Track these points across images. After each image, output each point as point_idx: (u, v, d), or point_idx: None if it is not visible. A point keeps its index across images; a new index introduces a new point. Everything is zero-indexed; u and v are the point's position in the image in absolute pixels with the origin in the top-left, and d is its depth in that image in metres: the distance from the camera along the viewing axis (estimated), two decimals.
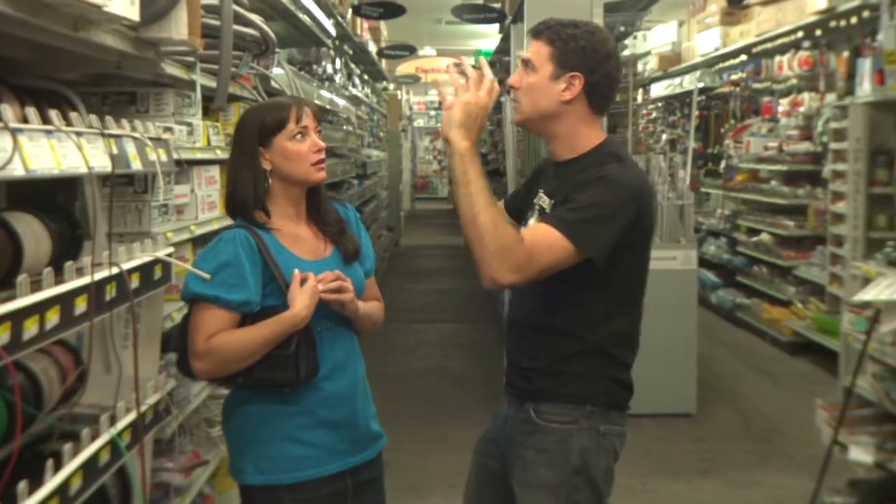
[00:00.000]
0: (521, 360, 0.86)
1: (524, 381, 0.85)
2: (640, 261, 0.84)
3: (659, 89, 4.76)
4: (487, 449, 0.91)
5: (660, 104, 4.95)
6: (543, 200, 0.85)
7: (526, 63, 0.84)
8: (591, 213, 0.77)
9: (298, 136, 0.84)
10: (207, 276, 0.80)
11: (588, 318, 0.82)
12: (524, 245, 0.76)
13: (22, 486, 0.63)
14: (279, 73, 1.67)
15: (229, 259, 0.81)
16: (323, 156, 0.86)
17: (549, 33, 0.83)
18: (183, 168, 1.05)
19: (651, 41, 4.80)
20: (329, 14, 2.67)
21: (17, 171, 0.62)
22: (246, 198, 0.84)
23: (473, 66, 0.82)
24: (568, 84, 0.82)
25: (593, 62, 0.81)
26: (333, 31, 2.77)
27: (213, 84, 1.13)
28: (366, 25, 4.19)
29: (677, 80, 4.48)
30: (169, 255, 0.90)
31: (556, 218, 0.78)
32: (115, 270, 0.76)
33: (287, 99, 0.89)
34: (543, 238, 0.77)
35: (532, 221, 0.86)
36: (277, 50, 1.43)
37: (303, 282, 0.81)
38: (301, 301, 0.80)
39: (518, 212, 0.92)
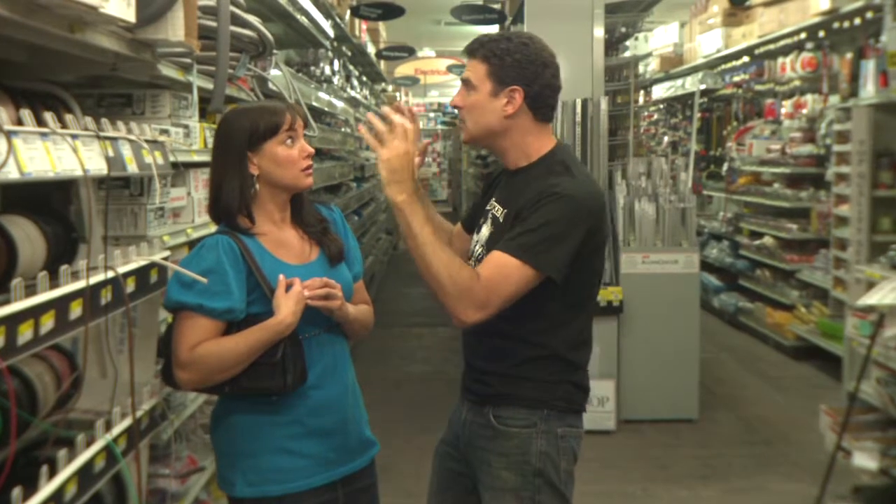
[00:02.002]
0: (479, 365, 0.86)
1: (482, 386, 0.86)
2: (594, 267, 0.85)
3: (660, 91, 4.76)
4: (448, 452, 0.91)
5: (661, 106, 4.96)
6: (496, 209, 0.86)
7: (466, 83, 0.85)
8: (545, 233, 0.78)
9: (289, 140, 0.83)
10: (204, 279, 0.78)
11: (545, 325, 0.83)
12: (481, 281, 0.78)
13: (16, 492, 0.62)
14: (277, 74, 1.67)
15: (212, 266, 0.79)
16: (311, 161, 0.85)
17: (482, 51, 0.83)
18: (179, 171, 1.05)
19: (652, 42, 4.80)
20: (327, 15, 2.66)
21: (11, 173, 0.62)
22: (231, 203, 0.82)
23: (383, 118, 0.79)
24: (508, 98, 0.83)
25: (530, 74, 0.82)
26: (332, 33, 2.75)
27: (209, 86, 1.13)
28: (364, 27, 4.19)
29: (679, 82, 4.48)
30: (165, 258, 0.89)
31: (509, 243, 0.79)
32: (110, 274, 0.76)
33: (278, 103, 0.87)
34: (499, 270, 0.78)
35: (484, 229, 0.87)
36: (275, 51, 1.43)
37: (288, 287, 0.80)
38: (287, 307, 0.79)
39: (473, 221, 0.93)
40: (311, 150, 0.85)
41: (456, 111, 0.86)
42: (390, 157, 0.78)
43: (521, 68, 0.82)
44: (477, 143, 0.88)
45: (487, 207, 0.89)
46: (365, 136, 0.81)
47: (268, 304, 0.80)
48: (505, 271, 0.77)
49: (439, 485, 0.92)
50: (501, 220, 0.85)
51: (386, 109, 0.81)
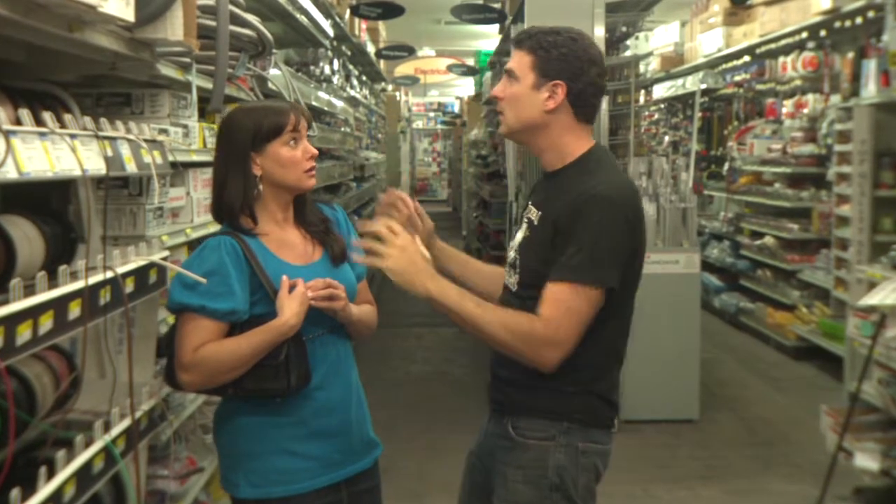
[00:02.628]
0: (501, 374, 0.84)
1: (502, 395, 0.85)
2: (634, 271, 0.81)
3: (661, 90, 4.74)
4: (474, 464, 0.90)
5: (662, 106, 4.94)
6: (532, 213, 0.84)
7: (509, 73, 0.83)
8: (598, 250, 0.76)
9: (292, 142, 0.83)
10: (203, 280, 0.78)
11: None
12: (542, 320, 0.75)
13: (15, 493, 0.62)
14: (276, 74, 1.66)
15: (215, 267, 0.79)
16: (314, 162, 0.84)
17: (530, 42, 0.81)
18: (178, 170, 1.04)
19: (653, 42, 4.75)
20: (327, 14, 2.65)
21: (9, 173, 0.62)
22: (234, 203, 0.82)
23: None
24: (550, 93, 0.80)
25: (575, 69, 0.80)
26: (331, 32, 2.74)
27: (209, 85, 1.12)
28: (364, 26, 4.17)
29: (680, 82, 4.46)
30: (164, 258, 0.89)
31: (562, 270, 0.76)
32: (109, 274, 0.75)
33: (283, 103, 0.86)
34: (557, 303, 0.75)
35: (519, 233, 0.86)
36: (274, 51, 1.43)
37: (292, 288, 0.80)
38: (290, 308, 0.78)
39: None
40: (315, 152, 0.84)
41: (494, 104, 0.85)
42: (393, 265, 0.75)
43: (567, 63, 0.79)
44: (515, 138, 0.85)
45: (524, 212, 0.86)
46: (364, 261, 0.77)
47: (271, 305, 0.79)
48: (567, 303, 0.75)
49: (466, 496, 0.90)
50: (537, 223, 0.82)
51: (368, 227, 0.78)
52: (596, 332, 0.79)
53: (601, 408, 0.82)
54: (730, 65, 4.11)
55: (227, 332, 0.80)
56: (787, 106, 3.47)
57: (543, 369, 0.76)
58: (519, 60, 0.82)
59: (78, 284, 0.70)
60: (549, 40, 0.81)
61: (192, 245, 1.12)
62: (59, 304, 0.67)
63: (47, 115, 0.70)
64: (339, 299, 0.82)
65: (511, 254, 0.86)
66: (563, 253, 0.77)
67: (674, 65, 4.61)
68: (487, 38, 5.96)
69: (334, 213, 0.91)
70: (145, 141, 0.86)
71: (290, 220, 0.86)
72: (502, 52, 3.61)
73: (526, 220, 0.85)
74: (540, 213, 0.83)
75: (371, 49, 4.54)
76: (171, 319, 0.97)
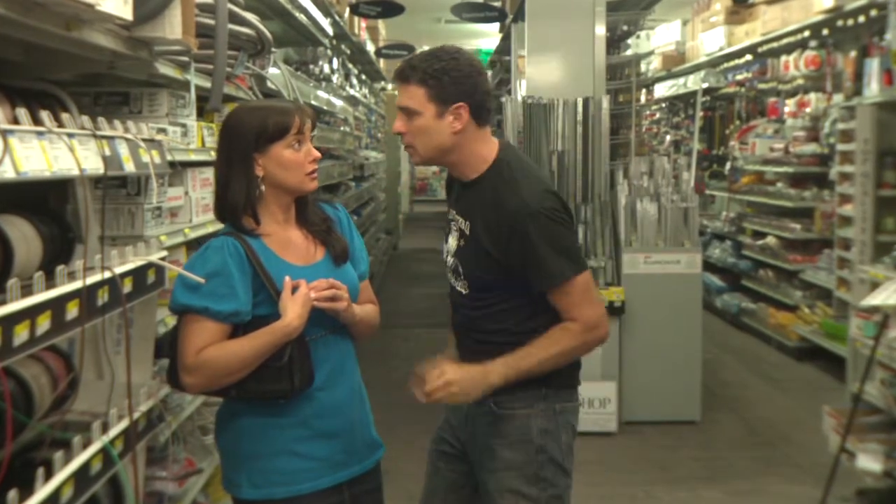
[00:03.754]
0: (472, 360, 0.88)
1: None
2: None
3: (662, 90, 4.73)
4: (445, 451, 0.94)
5: (663, 105, 4.93)
6: (460, 221, 0.90)
7: (405, 110, 0.85)
8: (561, 252, 0.84)
9: (296, 144, 0.82)
10: (202, 280, 0.78)
11: (529, 313, 0.87)
12: (573, 322, 0.85)
13: (12, 494, 0.62)
14: (275, 73, 1.66)
15: (218, 268, 0.79)
16: (317, 165, 0.84)
17: (416, 75, 0.84)
18: (177, 170, 1.04)
19: (654, 41, 4.76)
20: (326, 13, 2.64)
21: (7, 173, 0.62)
22: (237, 204, 0.82)
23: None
24: (455, 116, 0.84)
25: (469, 86, 0.84)
26: (330, 31, 2.73)
27: (207, 84, 1.12)
28: (364, 24, 4.16)
29: (681, 81, 4.44)
30: (162, 258, 0.88)
31: (551, 278, 0.85)
32: (107, 275, 0.75)
33: (288, 104, 0.85)
34: (571, 300, 0.85)
35: (451, 240, 0.91)
36: (273, 49, 1.42)
37: (294, 289, 0.79)
38: (293, 310, 0.78)
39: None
40: (318, 155, 0.84)
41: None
42: (461, 395, 0.83)
43: (460, 83, 0.84)
44: (430, 163, 0.90)
45: (450, 218, 0.92)
46: (427, 397, 0.84)
47: (274, 306, 0.79)
48: (574, 296, 0.84)
49: (433, 469, 0.94)
50: (468, 234, 0.88)
51: (420, 373, 0.85)
52: (541, 309, 0.87)
53: (568, 369, 0.89)
54: (731, 64, 4.10)
55: (229, 334, 0.80)
56: (790, 105, 3.46)
57: (602, 342, 0.87)
58: (412, 95, 0.84)
59: (76, 285, 0.70)
60: (436, 68, 0.83)
61: (190, 245, 1.12)
62: (57, 305, 0.67)
63: (45, 115, 0.70)
64: (341, 300, 0.81)
65: (449, 259, 0.92)
66: (530, 267, 0.84)
67: (675, 64, 4.60)
68: (487, 36, 5.96)
69: (336, 212, 0.91)
70: (143, 140, 0.86)
71: (292, 220, 0.86)
72: (503, 50, 3.61)
73: (455, 228, 0.91)
74: (468, 223, 0.88)
75: (371, 48, 4.53)
76: (169, 320, 0.98)
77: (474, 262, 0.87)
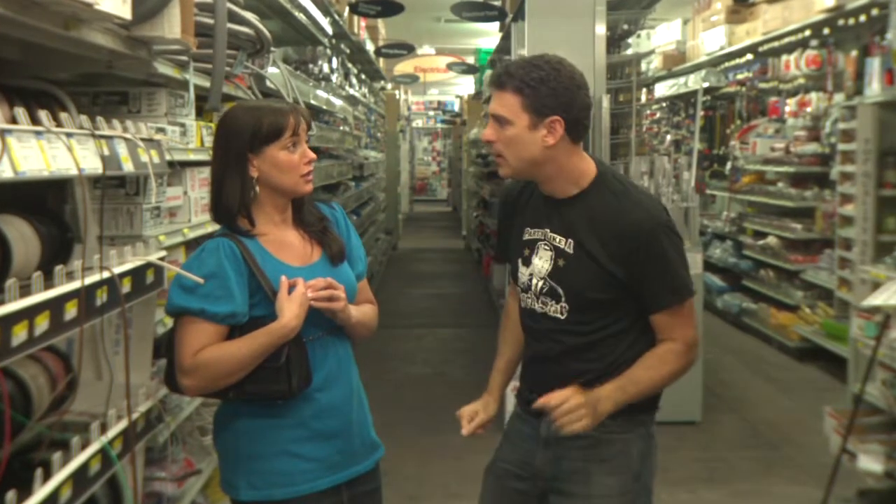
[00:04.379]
0: (558, 386, 0.84)
1: None
2: None
3: (663, 89, 4.72)
4: (509, 470, 0.91)
5: (664, 104, 4.90)
6: (555, 239, 0.85)
7: (498, 119, 0.82)
8: (682, 269, 0.84)
9: (291, 145, 0.81)
10: (200, 280, 0.77)
11: (631, 341, 0.85)
12: (677, 342, 0.84)
13: (10, 495, 0.62)
14: (274, 72, 1.65)
15: (214, 270, 0.78)
16: (312, 167, 0.83)
17: (514, 83, 0.80)
18: (176, 170, 1.03)
19: (655, 40, 4.72)
20: (325, 12, 2.63)
21: (5, 172, 0.61)
22: (231, 205, 0.81)
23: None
24: (549, 129, 0.81)
25: (567, 100, 0.81)
26: (330, 30, 2.73)
27: (206, 84, 1.12)
28: (363, 24, 4.15)
29: (682, 80, 4.43)
30: (161, 258, 0.88)
31: (669, 295, 0.84)
32: (106, 275, 0.75)
33: (283, 104, 0.84)
34: (678, 322, 0.84)
35: (539, 261, 0.86)
36: (272, 49, 1.41)
37: (291, 288, 0.79)
38: (290, 310, 0.78)
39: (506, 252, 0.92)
40: (314, 156, 0.83)
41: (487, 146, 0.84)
42: (588, 421, 0.80)
43: (558, 96, 0.80)
44: (519, 176, 0.85)
45: (535, 237, 0.86)
46: (574, 429, 0.81)
47: (270, 307, 0.79)
48: (681, 318, 0.84)
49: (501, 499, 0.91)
50: (572, 252, 0.83)
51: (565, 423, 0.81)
52: (641, 335, 0.86)
53: (657, 394, 0.89)
54: (732, 63, 4.09)
55: (226, 335, 0.79)
56: (790, 104, 3.45)
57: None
58: (506, 103, 0.81)
59: (74, 285, 0.69)
60: (534, 77, 0.79)
61: (189, 245, 1.11)
62: (56, 305, 0.66)
63: (43, 114, 0.70)
64: (338, 300, 0.81)
65: (537, 282, 0.86)
66: (653, 281, 0.83)
67: (676, 63, 4.58)
68: (487, 36, 5.93)
69: (333, 212, 0.90)
70: (142, 140, 0.86)
71: (289, 220, 0.85)
72: (503, 50, 3.60)
73: (549, 247, 0.85)
74: (572, 240, 0.84)
75: (370, 47, 4.52)
76: (168, 320, 0.97)
77: (585, 282, 0.82)
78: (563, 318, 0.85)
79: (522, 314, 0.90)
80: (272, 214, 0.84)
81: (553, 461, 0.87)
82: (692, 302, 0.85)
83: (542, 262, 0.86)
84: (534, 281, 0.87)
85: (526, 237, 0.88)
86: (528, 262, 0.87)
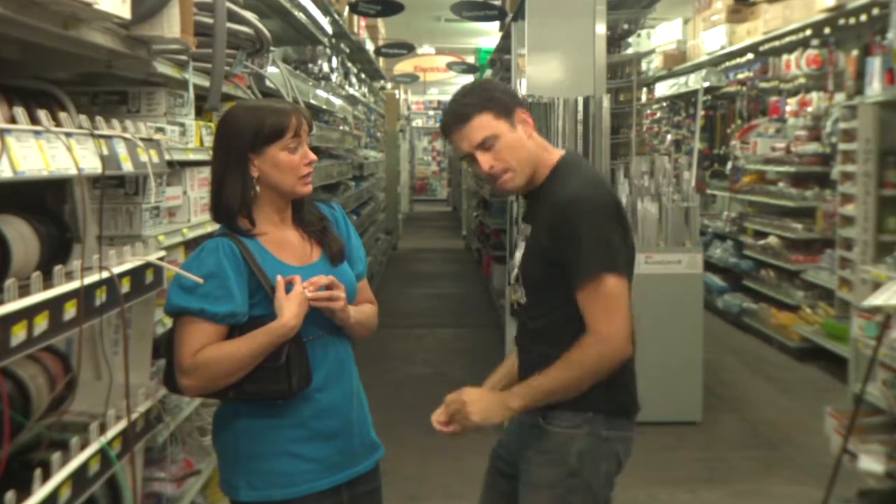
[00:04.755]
0: (529, 373, 0.87)
1: None
2: (629, 262, 0.88)
3: (663, 89, 4.72)
4: (499, 454, 0.95)
5: (664, 104, 4.90)
6: (525, 229, 0.90)
7: (483, 145, 0.85)
8: (600, 242, 0.82)
9: (292, 146, 0.81)
10: (200, 280, 0.77)
11: (579, 324, 0.85)
12: (590, 336, 0.81)
13: (9, 496, 0.62)
14: (274, 71, 1.65)
15: (213, 270, 0.78)
16: (312, 169, 0.83)
17: (474, 108, 0.85)
18: (175, 169, 1.03)
19: (655, 39, 4.72)
20: (325, 11, 2.63)
21: (4, 172, 0.61)
22: (232, 205, 0.81)
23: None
24: (522, 122, 0.86)
25: (514, 94, 0.88)
26: (330, 29, 2.72)
27: (206, 83, 1.11)
28: (363, 23, 4.16)
29: (682, 80, 4.43)
30: (160, 258, 0.88)
31: (582, 272, 0.81)
32: (105, 275, 0.75)
33: (285, 105, 0.85)
34: (594, 306, 0.81)
35: (519, 253, 0.91)
36: (272, 48, 1.41)
37: (289, 287, 0.79)
38: (289, 310, 0.78)
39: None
40: (314, 158, 0.83)
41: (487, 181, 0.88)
42: (478, 417, 0.82)
43: (506, 95, 0.86)
44: (526, 186, 0.87)
45: (520, 232, 0.92)
46: (456, 429, 0.84)
47: (270, 307, 0.79)
48: (597, 301, 0.80)
49: (487, 484, 0.94)
50: (530, 237, 0.87)
51: (438, 418, 0.85)
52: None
53: (622, 397, 0.87)
54: (733, 62, 4.08)
55: (226, 335, 0.79)
56: (791, 104, 3.45)
57: (625, 359, 0.82)
58: (481, 125, 0.84)
59: (73, 285, 0.69)
60: (481, 94, 0.85)
61: (188, 245, 1.11)
62: (55, 305, 0.66)
63: (42, 114, 0.69)
64: (338, 299, 0.81)
65: (515, 272, 0.92)
66: (570, 259, 0.82)
67: (676, 62, 4.58)
68: (487, 35, 5.93)
69: (332, 211, 0.90)
70: (141, 140, 0.86)
71: (288, 220, 0.85)
72: (503, 49, 3.60)
73: (522, 238, 0.90)
74: (530, 226, 0.88)
75: (370, 46, 4.52)
76: (167, 320, 0.96)
77: (532, 265, 0.86)
78: (522, 302, 0.88)
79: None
80: (271, 214, 0.83)
81: (517, 450, 0.90)
82: (613, 286, 0.80)
83: (519, 253, 0.90)
84: (515, 271, 0.91)
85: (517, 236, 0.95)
86: (513, 256, 0.94)
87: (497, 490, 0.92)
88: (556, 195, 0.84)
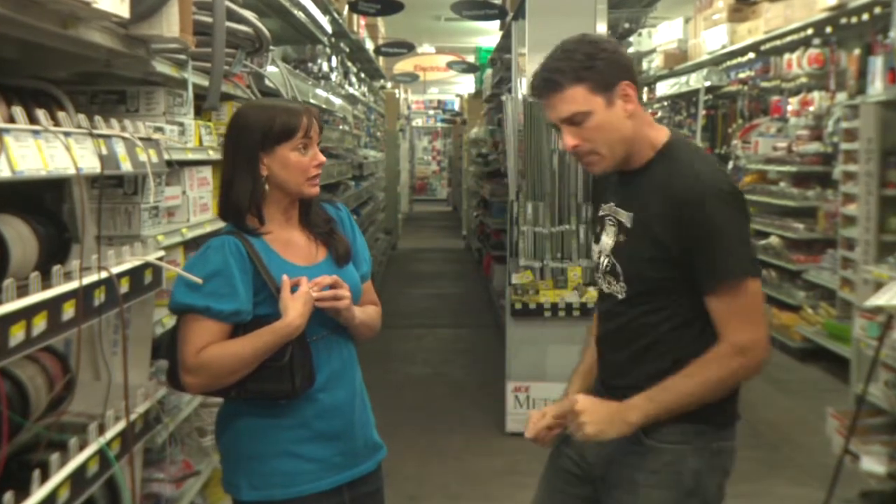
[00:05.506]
0: (619, 382, 0.80)
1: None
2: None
3: (664, 88, 4.68)
4: (570, 456, 0.85)
5: (665, 103, 4.88)
6: (619, 213, 0.80)
7: (571, 120, 0.75)
8: (744, 243, 0.74)
9: (302, 147, 0.81)
10: (199, 280, 0.77)
11: (695, 330, 0.76)
12: (726, 344, 0.73)
13: (8, 497, 0.62)
14: (273, 71, 1.64)
15: (219, 268, 0.78)
16: (321, 170, 0.83)
17: (568, 77, 0.74)
18: (174, 169, 1.03)
19: (656, 38, 4.73)
20: (325, 10, 2.62)
21: (3, 172, 0.61)
22: (241, 203, 0.81)
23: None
24: (623, 98, 0.75)
25: (622, 62, 0.76)
26: (329, 28, 2.71)
27: (205, 83, 1.11)
28: (363, 22, 4.15)
29: (683, 79, 4.40)
30: (160, 258, 0.88)
31: (724, 274, 0.73)
32: (103, 275, 0.74)
33: (297, 105, 0.83)
34: (733, 312, 0.73)
35: (606, 238, 0.81)
36: (271, 47, 1.41)
37: (294, 287, 0.79)
38: (294, 309, 0.77)
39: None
40: (323, 160, 0.83)
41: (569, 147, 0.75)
42: (594, 430, 0.74)
43: (613, 63, 0.74)
44: (617, 165, 0.77)
45: (605, 213, 0.81)
46: (581, 437, 0.75)
47: (275, 306, 0.78)
48: (737, 307, 0.72)
49: (551, 489, 0.85)
50: (631, 226, 0.77)
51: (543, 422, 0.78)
52: (709, 327, 0.76)
53: (730, 403, 0.79)
54: (734, 62, 4.06)
55: (230, 333, 0.79)
56: (793, 104, 3.43)
57: (759, 371, 0.74)
58: (573, 98, 0.74)
59: (72, 285, 0.69)
60: (581, 59, 0.74)
61: (188, 245, 1.11)
62: (53, 305, 0.66)
63: (41, 113, 0.69)
64: (343, 299, 0.80)
65: (603, 259, 0.81)
66: (705, 260, 0.73)
67: (677, 62, 4.56)
68: (488, 34, 5.90)
69: (338, 212, 0.90)
70: (140, 139, 0.85)
71: (294, 220, 0.85)
72: (503, 48, 3.59)
73: (612, 222, 0.80)
74: (631, 214, 0.78)
75: (370, 46, 4.51)
76: (166, 320, 0.97)
77: (638, 258, 0.75)
78: (621, 297, 0.78)
79: (598, 296, 0.84)
80: (277, 214, 0.83)
81: (604, 461, 0.81)
82: (754, 291, 0.71)
83: (607, 239, 0.80)
84: (601, 259, 0.81)
85: (600, 213, 0.82)
86: (598, 240, 0.82)
87: (563, 497, 0.83)
88: (677, 185, 0.72)
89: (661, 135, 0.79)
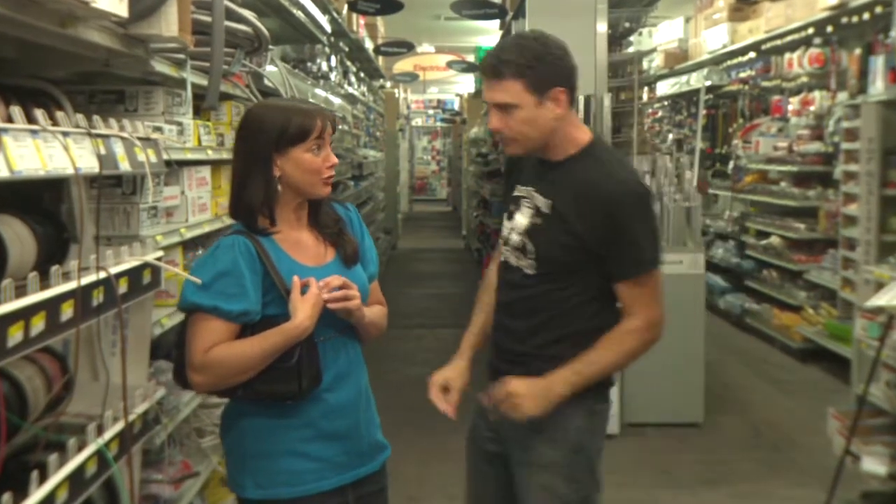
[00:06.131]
0: (515, 347, 0.88)
1: (517, 367, 0.87)
2: None
3: (665, 87, 4.71)
4: (484, 435, 0.92)
5: (666, 103, 4.91)
6: (537, 199, 0.87)
7: (504, 107, 0.83)
8: (652, 240, 0.85)
9: (316, 148, 0.81)
10: (198, 280, 0.77)
11: (583, 302, 0.86)
12: (637, 319, 0.84)
13: (6, 497, 0.62)
14: (272, 70, 1.65)
15: (228, 267, 0.78)
16: (333, 172, 0.83)
17: (511, 69, 0.81)
18: (173, 169, 1.03)
19: (657, 38, 4.68)
20: (324, 10, 2.62)
21: (1, 172, 0.61)
22: (254, 203, 0.80)
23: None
24: (555, 102, 0.84)
25: (565, 69, 0.84)
26: (328, 28, 2.71)
27: (204, 82, 1.11)
28: (362, 21, 4.15)
29: (684, 78, 4.43)
30: (158, 258, 0.88)
31: (635, 265, 0.84)
32: (102, 275, 0.74)
33: (311, 106, 0.84)
34: (642, 296, 0.84)
35: (521, 217, 0.88)
36: (270, 47, 1.41)
37: (304, 288, 0.78)
38: (304, 311, 0.77)
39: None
40: (335, 161, 0.83)
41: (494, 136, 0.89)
42: (530, 408, 0.81)
43: (555, 69, 0.82)
44: (532, 153, 0.87)
45: (521, 195, 0.89)
46: (513, 416, 0.83)
47: (284, 306, 0.78)
48: (645, 292, 0.84)
49: (476, 473, 0.92)
50: (548, 212, 0.85)
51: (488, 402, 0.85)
52: (605, 305, 0.87)
53: None
54: (735, 61, 4.07)
55: (238, 333, 0.79)
56: (794, 103, 3.43)
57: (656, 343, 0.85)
58: (508, 89, 0.82)
59: (70, 285, 0.69)
60: (529, 57, 0.81)
61: (187, 245, 1.10)
62: (51, 305, 0.66)
63: (39, 113, 0.69)
64: (353, 299, 0.81)
65: (514, 236, 0.89)
66: (618, 251, 0.83)
67: (678, 61, 4.57)
68: (487, 34, 5.92)
69: (347, 212, 0.89)
70: (139, 139, 0.85)
71: (304, 220, 0.85)
72: None
73: (530, 205, 0.87)
74: (550, 202, 0.86)
75: (369, 45, 4.50)
76: (165, 321, 0.97)
77: (551, 242, 0.85)
78: (530, 273, 0.87)
79: (500, 267, 0.91)
80: (288, 214, 0.83)
81: (510, 430, 0.88)
82: (658, 278, 0.84)
83: (522, 218, 0.88)
84: (512, 236, 0.89)
85: (515, 193, 0.90)
86: (511, 217, 0.89)
87: (491, 478, 0.90)
88: (600, 185, 0.82)
89: (585, 136, 0.88)
